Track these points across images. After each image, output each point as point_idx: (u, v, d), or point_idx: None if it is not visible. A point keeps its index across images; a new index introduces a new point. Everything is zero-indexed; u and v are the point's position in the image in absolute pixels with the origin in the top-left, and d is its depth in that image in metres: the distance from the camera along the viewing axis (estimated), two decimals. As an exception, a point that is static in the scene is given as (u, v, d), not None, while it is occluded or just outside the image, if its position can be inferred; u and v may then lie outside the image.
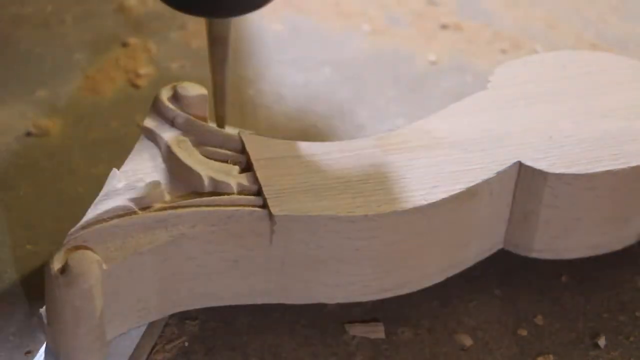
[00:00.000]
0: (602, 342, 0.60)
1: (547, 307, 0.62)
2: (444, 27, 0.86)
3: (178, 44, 0.83)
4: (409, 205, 0.56)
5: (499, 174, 0.58)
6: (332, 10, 0.88)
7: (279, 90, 0.79)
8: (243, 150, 0.59)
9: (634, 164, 0.58)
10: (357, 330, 0.60)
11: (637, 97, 0.64)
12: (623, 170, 0.58)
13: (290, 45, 0.84)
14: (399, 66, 0.82)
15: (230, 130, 0.62)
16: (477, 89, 0.65)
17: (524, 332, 0.61)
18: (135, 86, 0.78)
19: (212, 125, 0.61)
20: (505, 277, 0.64)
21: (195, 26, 0.85)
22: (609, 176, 0.58)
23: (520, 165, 0.58)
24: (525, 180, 0.59)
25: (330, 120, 0.76)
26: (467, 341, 0.60)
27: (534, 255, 0.61)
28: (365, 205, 0.55)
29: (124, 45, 0.82)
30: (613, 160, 0.58)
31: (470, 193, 0.57)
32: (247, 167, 0.58)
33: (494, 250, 0.62)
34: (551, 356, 0.59)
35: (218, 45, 0.58)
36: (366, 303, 0.61)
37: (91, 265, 0.51)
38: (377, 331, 0.60)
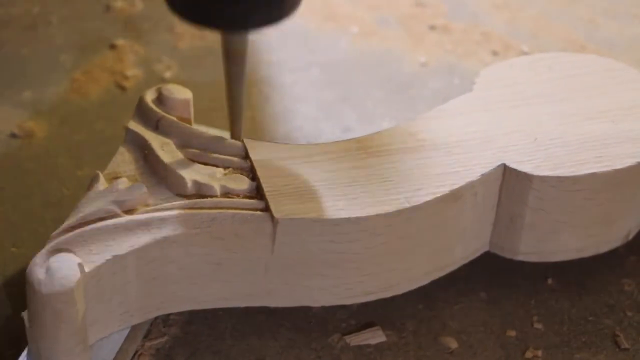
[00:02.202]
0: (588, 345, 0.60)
1: (533, 310, 0.62)
2: (433, 28, 0.86)
3: (166, 45, 0.83)
4: (393, 208, 0.55)
5: (483, 176, 0.58)
6: (320, 12, 0.88)
7: (266, 91, 0.79)
8: (229, 153, 0.59)
9: (618, 166, 0.58)
10: (357, 340, 0.60)
11: (623, 99, 0.63)
12: (607, 172, 0.58)
13: (277, 47, 0.84)
14: (387, 68, 0.82)
15: (215, 132, 0.62)
16: (466, 91, 0.64)
17: (509, 335, 0.60)
18: (121, 88, 0.78)
19: (197, 127, 0.61)
20: (491, 280, 0.64)
21: (183, 28, 0.85)
22: (594, 178, 0.58)
23: (505, 168, 0.58)
24: (510, 182, 0.58)
25: (317, 122, 0.76)
26: (452, 344, 0.60)
27: (520, 257, 0.61)
28: (348, 208, 0.55)
29: (111, 46, 0.82)
30: (598, 162, 0.58)
31: (454, 195, 0.57)
32: (231, 170, 0.58)
33: (480, 252, 0.61)
34: (540, 352, 0.59)
35: (235, 62, 0.54)
36: (351, 306, 0.61)
37: (73, 269, 0.51)
38: (376, 336, 0.60)
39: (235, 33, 0.53)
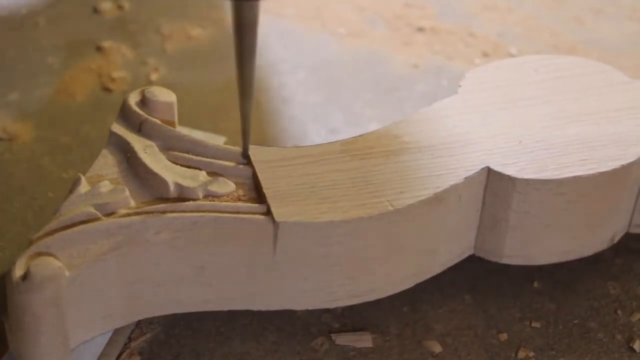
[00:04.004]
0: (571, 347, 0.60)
1: (518, 314, 0.62)
2: (421, 30, 0.86)
3: (153, 47, 0.82)
4: (376, 211, 0.55)
5: (467, 179, 0.57)
6: (308, 13, 0.88)
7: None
8: (212, 156, 0.58)
9: (603, 169, 0.58)
10: (344, 340, 0.60)
11: (609, 101, 0.63)
12: (591, 175, 0.58)
13: (265, 48, 0.83)
14: (375, 69, 0.81)
15: (200, 134, 0.61)
16: (454, 93, 0.64)
17: (493, 339, 0.60)
18: (108, 90, 0.78)
19: (180, 129, 0.60)
20: (475, 283, 0.63)
21: (171, 30, 0.84)
22: (578, 182, 0.58)
23: (489, 171, 0.58)
24: (494, 185, 0.58)
25: (304, 124, 0.76)
26: (437, 348, 0.60)
27: (504, 261, 0.61)
28: (331, 211, 0.55)
29: (98, 49, 0.82)
30: (582, 165, 0.58)
31: (437, 199, 0.57)
32: (213, 173, 0.58)
33: (464, 256, 0.61)
34: (531, 353, 0.59)
35: (246, 33, 0.52)
36: (335, 309, 0.61)
37: (53, 272, 0.51)
38: (364, 340, 0.60)
39: (248, 1, 0.51)
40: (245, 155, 0.58)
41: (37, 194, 0.68)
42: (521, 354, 0.59)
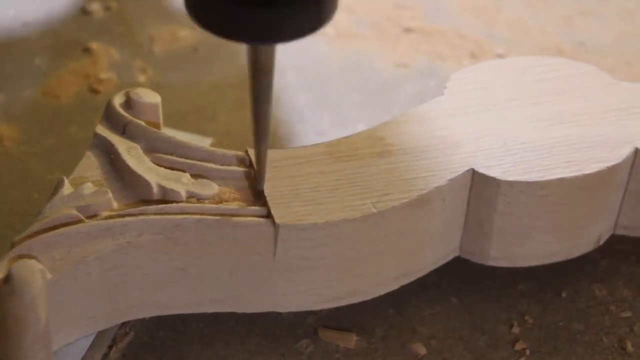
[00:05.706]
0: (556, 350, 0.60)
1: (503, 316, 0.62)
2: (409, 31, 0.86)
3: (141, 49, 0.82)
4: (359, 213, 0.55)
5: (451, 181, 0.57)
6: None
7: (241, 95, 0.78)
8: (196, 158, 0.58)
9: (587, 171, 0.58)
10: (328, 336, 0.60)
11: (594, 103, 0.63)
12: (576, 177, 0.58)
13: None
14: (363, 71, 0.81)
15: (185, 136, 0.61)
16: (441, 94, 0.64)
17: (478, 341, 0.60)
18: (95, 91, 0.77)
19: (165, 130, 0.60)
20: (461, 286, 0.63)
21: (158, 31, 0.84)
22: (562, 183, 0.57)
23: (473, 173, 0.58)
24: (478, 187, 0.58)
25: (291, 126, 0.76)
26: (421, 350, 0.59)
27: (490, 263, 0.61)
28: (314, 213, 0.55)
29: (86, 50, 0.81)
30: (566, 167, 0.58)
31: (421, 200, 0.56)
32: (198, 175, 0.57)
33: (450, 258, 0.61)
34: (528, 351, 0.59)
35: (262, 76, 0.50)
36: (320, 311, 0.61)
37: (34, 275, 0.51)
38: (348, 340, 0.60)
39: (262, 45, 0.49)
40: (261, 194, 0.56)
41: (22, 195, 0.68)
42: (518, 347, 0.59)
